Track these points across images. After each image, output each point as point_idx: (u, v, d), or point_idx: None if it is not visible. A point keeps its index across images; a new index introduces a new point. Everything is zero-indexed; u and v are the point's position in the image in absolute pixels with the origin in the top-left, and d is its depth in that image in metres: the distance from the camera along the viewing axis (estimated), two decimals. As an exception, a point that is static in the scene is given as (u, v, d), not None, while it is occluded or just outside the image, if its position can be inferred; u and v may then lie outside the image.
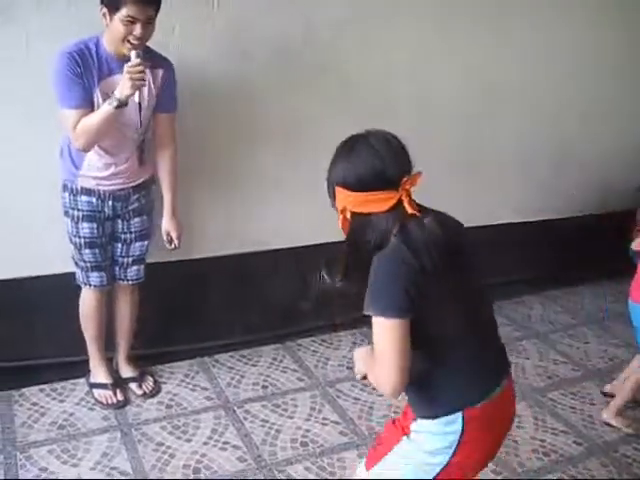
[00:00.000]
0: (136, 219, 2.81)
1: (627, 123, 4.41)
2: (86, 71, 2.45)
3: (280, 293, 3.49)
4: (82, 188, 2.66)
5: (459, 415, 1.63)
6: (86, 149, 2.55)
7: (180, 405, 2.98)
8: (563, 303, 4.31)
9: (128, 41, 2.39)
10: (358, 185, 1.57)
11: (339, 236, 1.67)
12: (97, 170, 2.64)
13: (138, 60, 2.39)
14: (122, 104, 2.42)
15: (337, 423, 2.94)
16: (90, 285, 2.83)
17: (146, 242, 2.89)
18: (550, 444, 2.92)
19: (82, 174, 2.64)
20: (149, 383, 3.08)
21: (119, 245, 2.85)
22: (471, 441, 1.66)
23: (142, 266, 2.93)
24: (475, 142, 3.84)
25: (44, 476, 2.50)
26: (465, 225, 1.76)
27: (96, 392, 2.98)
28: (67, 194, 2.69)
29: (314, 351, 3.51)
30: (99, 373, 3.01)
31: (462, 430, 1.64)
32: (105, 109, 2.43)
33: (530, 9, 3.71)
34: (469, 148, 3.83)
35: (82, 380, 3.07)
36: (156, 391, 3.07)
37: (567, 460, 2.82)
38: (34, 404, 2.92)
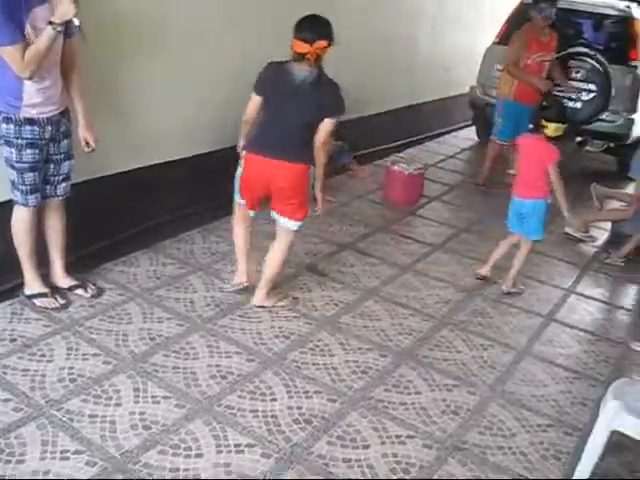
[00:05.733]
0: (65, 141, 3.22)
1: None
2: (15, 6, 2.73)
3: None
4: (25, 118, 2.99)
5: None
6: (32, 77, 2.86)
7: None
8: (221, 233, 4.41)
9: None
10: None
11: None
12: (35, 97, 2.97)
13: None
14: (62, 28, 2.81)
15: (7, 400, 2.71)
16: (28, 206, 3.15)
17: (72, 161, 3.30)
18: (226, 366, 3.09)
19: (25, 104, 2.96)
20: (91, 286, 3.52)
21: (51, 166, 3.22)
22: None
23: (69, 182, 3.33)
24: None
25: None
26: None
27: (37, 301, 3.32)
28: (11, 125, 2.98)
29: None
30: (37, 284, 3.34)
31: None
32: (49, 34, 2.79)
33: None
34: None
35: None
36: (99, 292, 3.51)
37: (243, 378, 3.02)
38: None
